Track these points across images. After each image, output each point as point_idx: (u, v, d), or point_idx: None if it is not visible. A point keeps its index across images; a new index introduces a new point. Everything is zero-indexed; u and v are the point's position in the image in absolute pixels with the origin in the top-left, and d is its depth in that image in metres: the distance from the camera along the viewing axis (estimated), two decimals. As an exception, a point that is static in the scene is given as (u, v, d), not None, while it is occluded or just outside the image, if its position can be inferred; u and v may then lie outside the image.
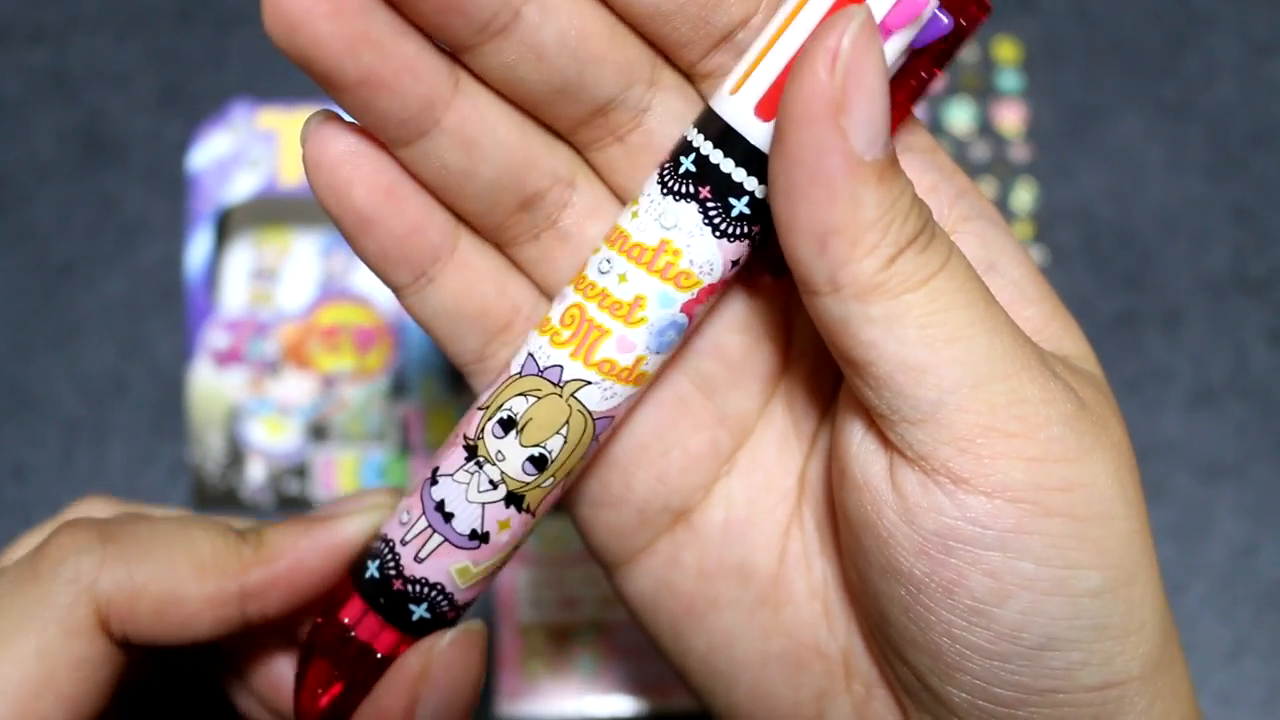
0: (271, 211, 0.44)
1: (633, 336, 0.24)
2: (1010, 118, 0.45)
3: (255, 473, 0.42)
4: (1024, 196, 0.44)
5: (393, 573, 0.25)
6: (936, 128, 0.45)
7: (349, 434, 0.43)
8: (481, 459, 0.24)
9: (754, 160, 0.22)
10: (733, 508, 0.26)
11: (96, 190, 0.45)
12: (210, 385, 0.43)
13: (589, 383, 0.24)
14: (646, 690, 0.41)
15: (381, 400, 0.43)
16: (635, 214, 0.23)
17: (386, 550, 0.25)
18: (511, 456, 0.24)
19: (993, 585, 0.22)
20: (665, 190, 0.23)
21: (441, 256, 0.24)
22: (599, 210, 0.25)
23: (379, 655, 0.26)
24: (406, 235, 0.24)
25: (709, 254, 0.23)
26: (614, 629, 0.41)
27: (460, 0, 0.22)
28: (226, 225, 0.44)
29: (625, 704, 0.41)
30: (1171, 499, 0.43)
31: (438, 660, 0.26)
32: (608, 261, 0.24)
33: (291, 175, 0.43)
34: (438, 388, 0.43)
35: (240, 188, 0.43)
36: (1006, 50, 0.46)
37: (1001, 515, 0.22)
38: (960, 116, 0.45)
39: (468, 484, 0.24)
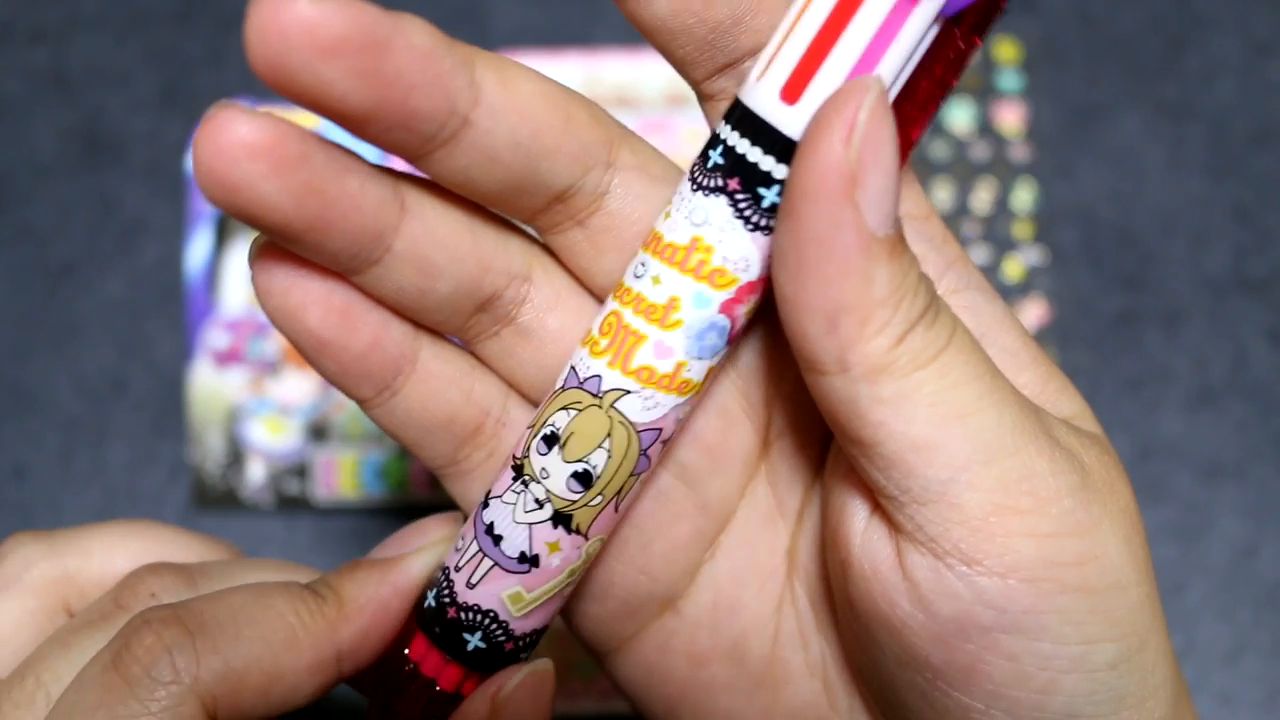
0: (271, 211, 0.44)
1: (670, 340, 0.22)
2: (1010, 118, 0.45)
3: (255, 473, 0.42)
4: (1024, 196, 0.44)
5: (447, 600, 0.24)
6: (936, 128, 0.45)
7: (349, 434, 0.43)
8: (528, 477, 0.23)
9: (784, 148, 0.21)
10: (720, 591, 0.26)
11: (96, 190, 0.45)
12: (210, 385, 0.43)
13: (628, 391, 0.23)
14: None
15: (381, 400, 0.43)
16: (668, 214, 0.22)
17: (443, 578, 0.24)
18: (556, 473, 0.23)
19: (1012, 668, 0.22)
20: (695, 186, 0.22)
21: (403, 369, 0.24)
22: (559, 300, 0.24)
23: (441, 690, 0.25)
24: (365, 352, 0.23)
25: (742, 249, 0.22)
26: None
27: (406, 118, 0.21)
28: (226, 225, 0.44)
29: (624, 704, 0.41)
30: (1171, 499, 0.43)
31: (503, 704, 0.25)
32: (642, 265, 0.23)
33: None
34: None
35: (240, 188, 0.43)
36: (1006, 50, 0.46)
37: (1017, 596, 0.21)
38: (960, 116, 0.45)
39: (515, 504, 0.24)
